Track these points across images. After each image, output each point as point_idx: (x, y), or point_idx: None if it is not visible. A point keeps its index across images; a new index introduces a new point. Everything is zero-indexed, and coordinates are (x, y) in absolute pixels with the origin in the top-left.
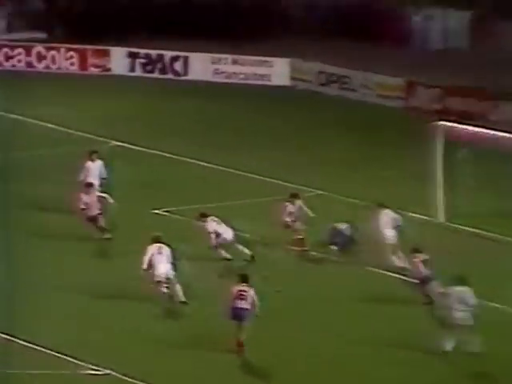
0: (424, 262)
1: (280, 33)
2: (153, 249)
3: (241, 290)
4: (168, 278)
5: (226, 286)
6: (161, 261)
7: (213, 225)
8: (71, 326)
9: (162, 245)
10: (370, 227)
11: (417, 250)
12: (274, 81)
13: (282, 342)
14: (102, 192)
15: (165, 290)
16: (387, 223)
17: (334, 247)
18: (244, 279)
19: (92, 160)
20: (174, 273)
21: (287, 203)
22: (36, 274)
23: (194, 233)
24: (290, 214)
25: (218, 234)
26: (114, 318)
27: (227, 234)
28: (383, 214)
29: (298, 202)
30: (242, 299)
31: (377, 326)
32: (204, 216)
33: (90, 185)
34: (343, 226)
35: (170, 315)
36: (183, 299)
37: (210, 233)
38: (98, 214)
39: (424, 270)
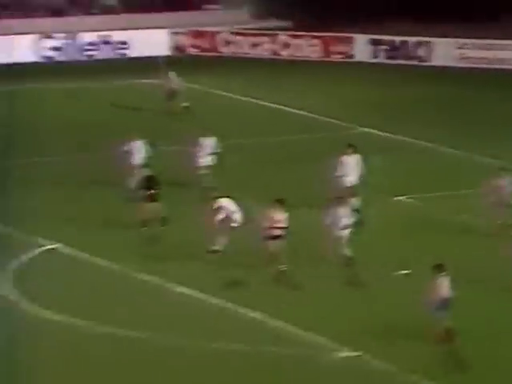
0: None
1: None
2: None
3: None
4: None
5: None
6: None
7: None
8: None
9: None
10: None
11: None
12: None
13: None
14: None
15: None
16: None
17: None
18: (441, 269)
19: (349, 154)
20: None
21: (493, 177)
22: None
23: (440, 220)
24: (495, 190)
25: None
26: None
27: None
28: None
29: (507, 177)
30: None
31: None
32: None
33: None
34: None
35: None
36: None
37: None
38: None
39: None
